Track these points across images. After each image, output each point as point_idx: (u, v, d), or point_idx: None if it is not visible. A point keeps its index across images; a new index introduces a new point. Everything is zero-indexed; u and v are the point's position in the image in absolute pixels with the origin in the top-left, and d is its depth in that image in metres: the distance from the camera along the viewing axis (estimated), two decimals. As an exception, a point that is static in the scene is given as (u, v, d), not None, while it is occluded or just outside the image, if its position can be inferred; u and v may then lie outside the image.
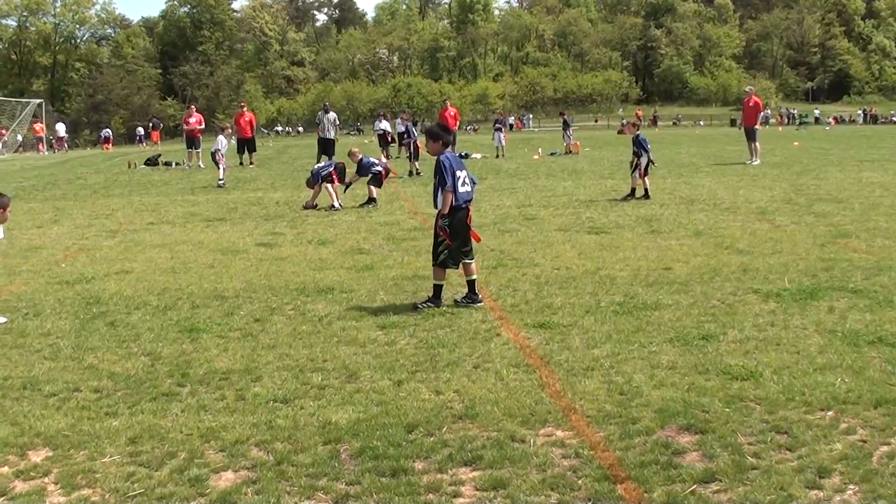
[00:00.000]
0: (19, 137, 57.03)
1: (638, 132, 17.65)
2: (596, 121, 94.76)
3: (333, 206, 16.14)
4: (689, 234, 12.21)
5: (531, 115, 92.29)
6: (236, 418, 5.36)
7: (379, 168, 16.80)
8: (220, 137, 23.59)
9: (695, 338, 6.79)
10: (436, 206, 8.37)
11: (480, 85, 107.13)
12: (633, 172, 16.92)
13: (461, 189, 8.18)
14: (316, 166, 17.92)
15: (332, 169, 17.02)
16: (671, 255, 10.52)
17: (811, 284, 8.63)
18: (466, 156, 33.06)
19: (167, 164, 33.04)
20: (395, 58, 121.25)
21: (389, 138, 33.17)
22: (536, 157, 32.96)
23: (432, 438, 4.99)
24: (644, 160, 16.69)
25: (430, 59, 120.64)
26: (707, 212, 14.49)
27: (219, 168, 22.53)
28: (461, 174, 8.19)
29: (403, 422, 5.21)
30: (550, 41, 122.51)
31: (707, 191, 17.93)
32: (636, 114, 46.93)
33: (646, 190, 16.65)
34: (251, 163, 30.60)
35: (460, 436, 5.00)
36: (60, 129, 59.53)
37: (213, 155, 22.72)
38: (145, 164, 33.59)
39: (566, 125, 37.40)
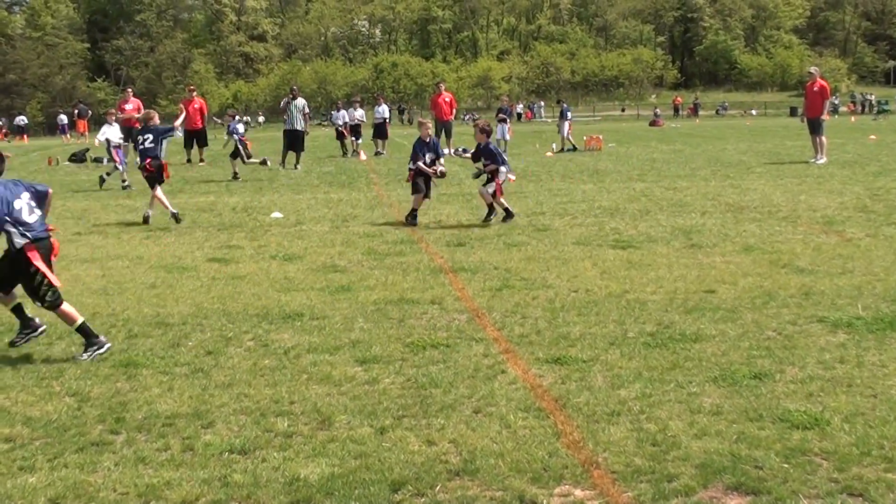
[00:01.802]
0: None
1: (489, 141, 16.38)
2: (623, 110, 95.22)
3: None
4: (736, 249, 12.26)
5: (543, 103, 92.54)
6: (183, 473, 5.37)
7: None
8: (106, 127, 23.53)
9: (745, 377, 6.83)
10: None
11: (482, 65, 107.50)
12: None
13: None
14: None
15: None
16: (715, 274, 10.57)
17: (891, 312, 8.67)
18: (464, 151, 33.13)
19: (97, 160, 33.02)
20: (377, 31, 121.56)
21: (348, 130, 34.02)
22: (550, 153, 33.10)
23: (423, 499, 5.01)
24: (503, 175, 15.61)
25: (421, 32, 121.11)
26: (759, 222, 14.56)
27: (118, 166, 22.56)
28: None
29: (388, 478, 5.23)
30: (568, 12, 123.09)
31: (760, 196, 18.02)
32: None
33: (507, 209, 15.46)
34: (201, 160, 30.69)
35: (457, 496, 5.02)
36: None
37: (108, 150, 22.93)
38: (70, 160, 33.68)
39: (563, 115, 36.97)
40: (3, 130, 69.30)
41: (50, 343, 8.33)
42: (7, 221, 7.89)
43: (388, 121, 37.08)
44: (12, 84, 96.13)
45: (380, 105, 36.95)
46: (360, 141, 34.26)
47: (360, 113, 34.92)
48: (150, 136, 16.09)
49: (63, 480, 5.31)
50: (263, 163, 27.51)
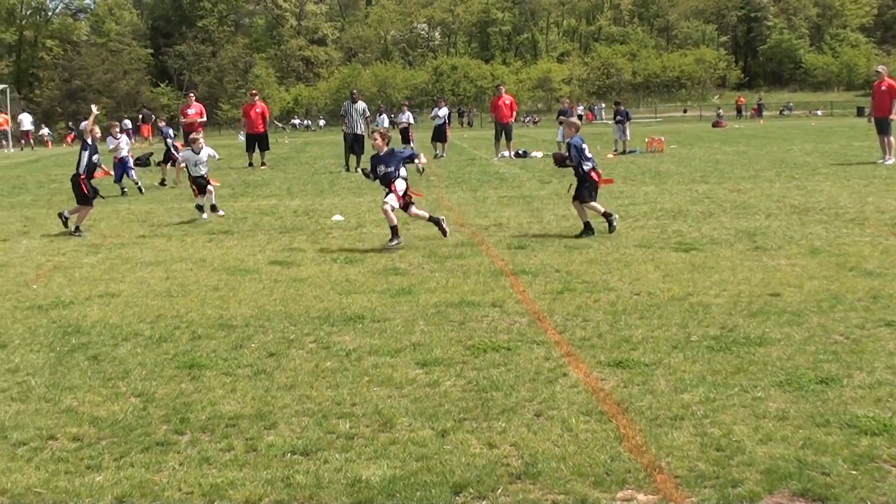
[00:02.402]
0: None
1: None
2: (685, 111, 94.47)
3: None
4: (802, 251, 12.13)
5: (604, 105, 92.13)
6: (246, 473, 5.43)
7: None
8: (111, 138, 23.89)
9: (811, 381, 6.75)
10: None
11: (541, 67, 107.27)
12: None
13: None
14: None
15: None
16: (780, 277, 10.46)
17: (958, 315, 8.54)
18: (524, 154, 33.15)
19: (160, 163, 33.44)
20: (436, 34, 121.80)
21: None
22: (611, 155, 32.95)
23: (484, 502, 5.01)
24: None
25: (480, 35, 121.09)
26: (826, 224, 14.39)
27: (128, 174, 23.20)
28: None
29: (449, 481, 5.25)
30: (629, 13, 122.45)
31: (826, 198, 17.81)
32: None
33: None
34: (263, 163, 30.93)
35: (519, 499, 5.02)
36: (25, 120, 59.98)
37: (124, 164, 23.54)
38: (134, 163, 34.01)
39: (623, 118, 36.46)
40: (72, 135, 70.30)
41: (116, 344, 8.45)
42: None
43: (447, 123, 37.13)
44: (78, 89, 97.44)
45: (439, 108, 37.04)
46: (411, 145, 34.34)
47: (407, 116, 35.07)
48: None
49: (129, 479, 5.39)
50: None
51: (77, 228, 16.08)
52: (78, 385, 7.27)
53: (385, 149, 14.37)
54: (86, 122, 16.93)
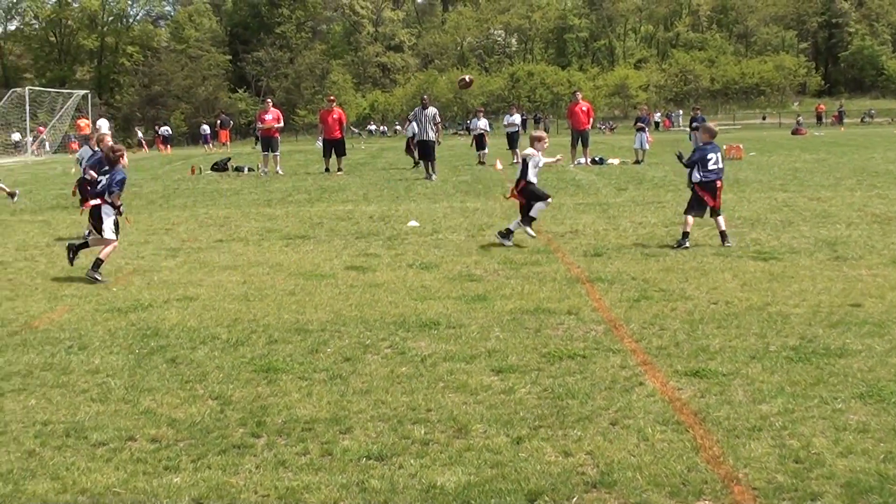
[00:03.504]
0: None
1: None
2: (764, 118, 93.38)
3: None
4: (884, 261, 11.93)
5: (681, 112, 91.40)
6: (322, 477, 5.47)
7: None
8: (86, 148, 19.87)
9: (893, 393, 6.64)
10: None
11: (618, 73, 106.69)
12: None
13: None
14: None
15: None
16: (861, 287, 10.30)
17: None
18: (601, 161, 33.00)
19: (238, 169, 33.94)
20: (513, 40, 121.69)
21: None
22: (689, 162, 32.63)
23: (560, 510, 5.01)
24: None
25: (557, 41, 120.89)
26: (909, 234, 14.15)
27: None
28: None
29: (524, 488, 5.24)
30: (707, 18, 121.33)
31: (909, 207, 17.49)
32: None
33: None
34: (339, 169, 31.16)
35: (594, 507, 5.00)
36: (103, 125, 60.56)
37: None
38: (212, 169, 34.55)
39: (700, 125, 36.00)
40: (142, 138, 71.36)
41: (193, 347, 8.56)
42: None
43: (522, 130, 37.07)
44: (157, 95, 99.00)
45: (512, 114, 37.00)
46: (485, 151, 34.40)
47: (483, 123, 35.06)
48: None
49: (206, 481, 5.46)
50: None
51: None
52: (156, 387, 7.38)
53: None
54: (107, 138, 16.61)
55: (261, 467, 5.66)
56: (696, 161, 13.84)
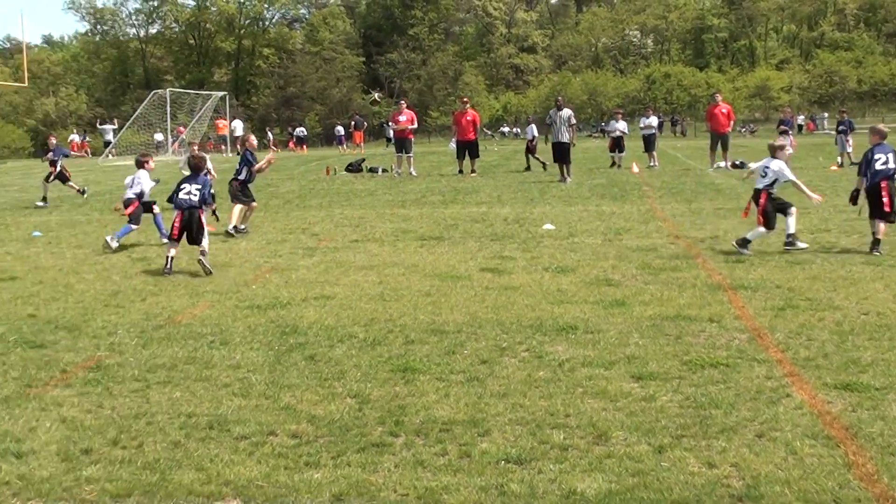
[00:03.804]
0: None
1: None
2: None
3: None
4: None
5: (826, 115, 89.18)
6: (461, 479, 5.50)
7: None
8: (142, 173, 17.18)
9: None
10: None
11: (759, 74, 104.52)
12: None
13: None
14: None
15: None
16: None
17: None
18: (741, 165, 32.41)
19: (372, 170, 34.29)
20: (648, 41, 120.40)
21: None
22: (834, 167, 31.85)
23: (705, 521, 4.94)
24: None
25: (694, 42, 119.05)
26: None
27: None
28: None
29: (667, 499, 5.18)
30: (854, 17, 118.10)
31: None
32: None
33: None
34: (472, 171, 31.25)
35: (741, 520, 4.92)
36: (238, 126, 61.60)
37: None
38: (346, 169, 34.99)
39: (846, 128, 34.78)
40: (272, 141, 72.59)
41: (331, 345, 8.70)
42: None
43: (658, 133, 36.65)
44: (292, 96, 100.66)
45: (648, 116, 36.59)
46: (623, 154, 34.04)
47: (622, 125, 34.72)
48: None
49: (346, 478, 5.54)
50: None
51: (236, 227, 17.08)
52: (296, 384, 7.52)
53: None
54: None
55: (399, 466, 5.72)
56: (865, 163, 13.59)
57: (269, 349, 8.67)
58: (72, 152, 61.39)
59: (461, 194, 24.17)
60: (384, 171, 33.85)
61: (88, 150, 66.64)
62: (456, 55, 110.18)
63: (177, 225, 13.33)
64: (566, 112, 28.78)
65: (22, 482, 5.61)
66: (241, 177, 17.72)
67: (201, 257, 13.13)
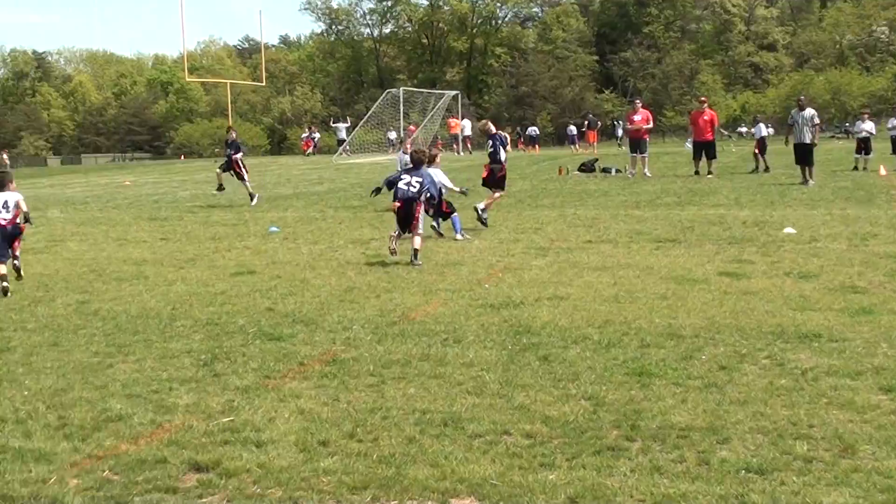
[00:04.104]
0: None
1: None
2: None
3: None
4: None
5: None
6: (699, 487, 5.40)
7: None
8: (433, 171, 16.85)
9: None
10: None
11: None
12: None
13: None
14: None
15: None
16: None
17: None
18: None
19: (605, 170, 34.13)
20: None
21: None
22: None
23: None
24: None
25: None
26: None
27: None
28: None
29: (920, 518, 4.95)
30: None
31: None
32: None
33: None
34: (709, 172, 30.66)
35: None
36: (466, 126, 61.05)
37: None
38: (579, 169, 34.95)
39: None
40: (520, 139, 73.07)
41: (565, 346, 8.70)
42: None
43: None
44: (524, 96, 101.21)
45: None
46: (870, 156, 32.55)
47: (869, 126, 33.25)
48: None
49: (581, 481, 5.53)
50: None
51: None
52: (529, 384, 7.55)
53: None
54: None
55: (636, 471, 5.66)
56: None
57: (503, 348, 8.74)
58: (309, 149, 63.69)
59: (697, 196, 23.75)
60: (618, 171, 33.64)
61: (313, 146, 68.21)
62: (692, 53, 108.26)
63: (397, 214, 14.44)
64: (809, 112, 27.85)
65: (262, 471, 5.83)
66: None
67: (415, 252, 13.95)
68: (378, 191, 15.75)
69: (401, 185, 14.54)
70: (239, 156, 26.54)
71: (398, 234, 14.29)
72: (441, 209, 16.88)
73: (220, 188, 26.96)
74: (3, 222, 13.04)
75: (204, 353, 8.88)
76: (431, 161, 17.16)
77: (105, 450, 6.24)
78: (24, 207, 13.57)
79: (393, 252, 14.02)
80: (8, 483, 5.71)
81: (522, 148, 68.35)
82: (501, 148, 18.92)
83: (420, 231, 14.35)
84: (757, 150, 33.13)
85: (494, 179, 18.97)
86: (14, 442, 6.43)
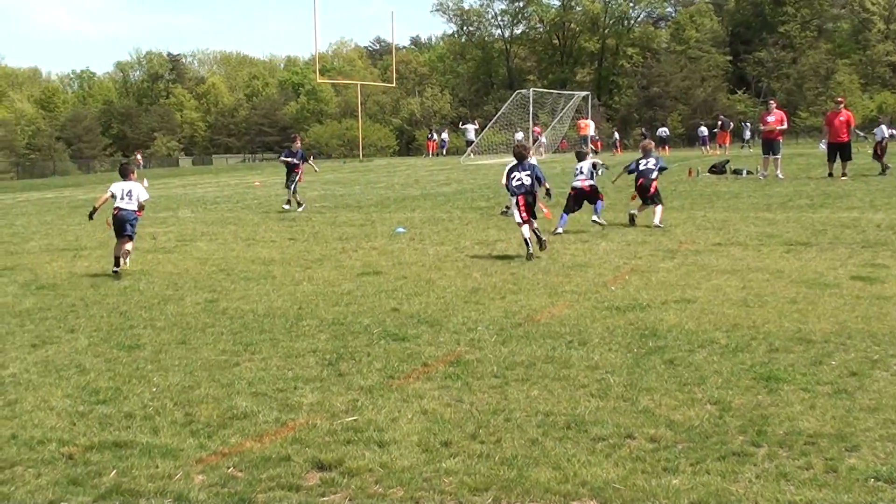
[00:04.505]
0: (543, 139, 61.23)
1: None
2: None
3: None
4: None
5: None
6: (826, 494, 5.32)
7: None
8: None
9: None
10: None
11: None
12: None
13: None
14: None
15: None
16: None
17: None
18: None
19: (736, 172, 33.58)
20: None
21: None
22: None
23: None
24: None
25: None
26: None
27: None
28: None
29: None
30: None
31: None
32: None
33: None
34: (843, 174, 29.95)
35: None
36: (590, 126, 60.34)
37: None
38: (709, 171, 34.46)
39: None
40: (618, 140, 72.28)
41: (691, 350, 8.61)
42: None
43: None
44: (655, 96, 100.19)
45: None
46: None
47: None
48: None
49: (705, 486, 5.48)
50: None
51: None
52: (654, 387, 7.50)
53: None
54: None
55: (761, 477, 5.59)
56: None
57: (628, 351, 8.70)
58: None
59: (831, 198, 23.21)
60: (749, 172, 33.07)
61: (436, 148, 68.88)
62: (828, 53, 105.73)
63: (522, 207, 15.00)
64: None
65: (384, 470, 5.91)
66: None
67: (535, 231, 15.00)
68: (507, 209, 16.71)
69: (514, 182, 15.26)
70: (304, 165, 26.98)
71: (525, 225, 15.01)
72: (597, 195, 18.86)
73: (299, 204, 26.37)
74: (128, 208, 14.90)
75: (329, 352, 9.04)
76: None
77: (230, 447, 6.40)
78: (144, 196, 15.28)
79: (529, 256, 14.67)
80: (135, 478, 5.89)
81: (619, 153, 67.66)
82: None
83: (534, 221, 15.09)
84: (878, 152, 32.22)
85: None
86: (142, 437, 6.63)
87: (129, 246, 14.93)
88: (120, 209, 14.82)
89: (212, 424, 6.90)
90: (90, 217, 15.49)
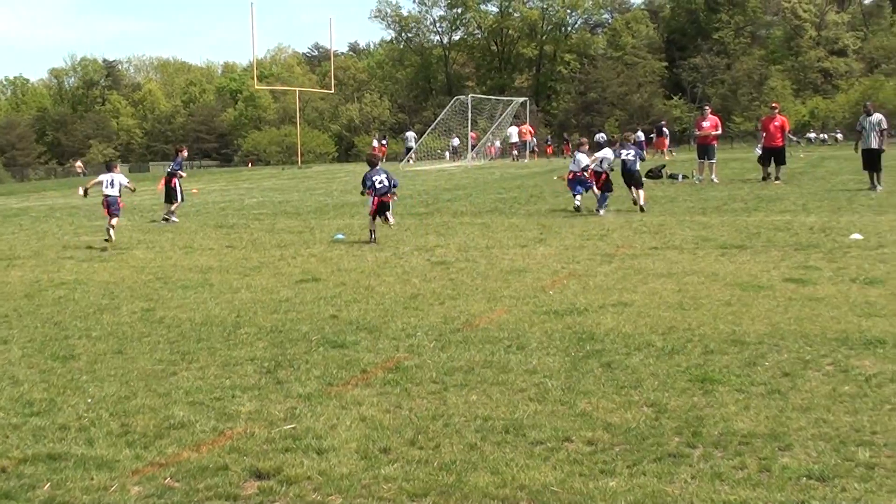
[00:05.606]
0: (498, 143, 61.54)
1: None
2: None
3: None
4: None
5: None
6: (760, 494, 5.38)
7: None
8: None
9: None
10: None
11: None
12: None
13: None
14: None
15: None
16: None
17: None
18: None
19: (672, 177, 33.95)
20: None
21: None
22: None
23: None
24: None
25: None
26: None
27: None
28: None
29: (984, 526, 4.89)
30: None
31: None
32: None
33: None
34: (776, 178, 30.36)
35: None
36: (513, 133, 60.70)
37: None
38: (646, 176, 34.71)
39: None
40: (549, 145, 72.53)
41: (628, 353, 8.68)
42: None
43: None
44: (592, 102, 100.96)
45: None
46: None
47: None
48: None
49: (641, 487, 5.52)
50: None
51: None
52: (592, 390, 7.55)
53: None
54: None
55: (696, 478, 5.65)
56: None
57: (566, 355, 8.74)
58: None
59: (764, 202, 23.51)
60: (684, 177, 33.44)
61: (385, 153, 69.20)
62: (762, 59, 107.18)
63: (376, 206, 18.12)
64: (876, 117, 27.42)
65: (322, 478, 5.88)
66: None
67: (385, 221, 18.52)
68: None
69: (378, 185, 18.66)
70: (182, 175, 27.52)
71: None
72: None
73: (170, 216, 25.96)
74: (113, 194, 19.97)
75: (267, 360, 8.99)
76: (578, 147, 24.68)
77: (167, 457, 6.34)
78: (125, 182, 20.47)
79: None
80: (69, 490, 5.81)
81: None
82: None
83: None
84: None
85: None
86: (76, 449, 6.54)
87: (114, 221, 19.71)
88: (107, 195, 19.93)
89: (148, 435, 6.82)
90: (84, 195, 20.82)
